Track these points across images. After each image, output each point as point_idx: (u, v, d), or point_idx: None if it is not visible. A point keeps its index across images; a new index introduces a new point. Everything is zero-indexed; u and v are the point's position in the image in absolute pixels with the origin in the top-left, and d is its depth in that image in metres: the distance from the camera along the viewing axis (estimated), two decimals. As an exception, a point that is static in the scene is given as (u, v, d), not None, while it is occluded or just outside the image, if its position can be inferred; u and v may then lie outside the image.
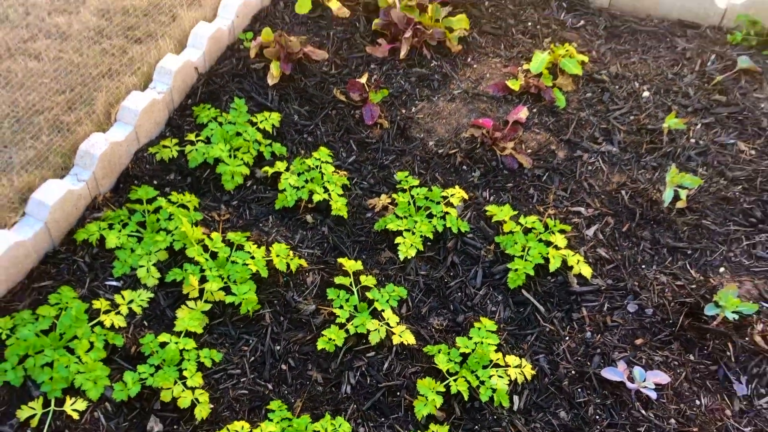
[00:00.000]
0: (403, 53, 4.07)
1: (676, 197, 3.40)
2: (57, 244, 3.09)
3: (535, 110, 3.88)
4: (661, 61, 4.20)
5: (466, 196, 3.44)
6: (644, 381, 2.74)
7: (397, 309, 3.01)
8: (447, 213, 3.34)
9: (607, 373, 2.79)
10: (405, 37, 4.08)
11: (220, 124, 3.62)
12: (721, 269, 3.23)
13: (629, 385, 2.74)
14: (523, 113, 3.79)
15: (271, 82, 3.85)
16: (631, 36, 4.37)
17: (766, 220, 3.41)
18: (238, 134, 3.57)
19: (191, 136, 3.57)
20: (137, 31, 4.02)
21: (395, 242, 3.21)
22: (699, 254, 3.28)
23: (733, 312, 2.91)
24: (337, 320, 2.90)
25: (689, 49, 4.27)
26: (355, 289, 3.03)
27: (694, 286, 3.13)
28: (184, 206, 3.28)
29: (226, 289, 2.96)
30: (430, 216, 3.34)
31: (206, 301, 2.93)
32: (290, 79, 3.91)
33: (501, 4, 4.50)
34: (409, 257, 3.18)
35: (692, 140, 3.76)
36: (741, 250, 3.30)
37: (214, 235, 3.14)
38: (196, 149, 3.49)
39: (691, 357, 2.91)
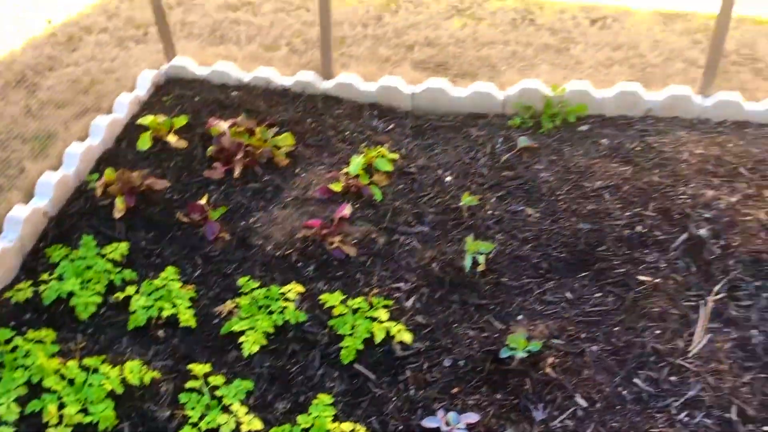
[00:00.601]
0: (237, 173, 4.63)
1: (476, 263, 4.05)
2: None
3: (357, 206, 4.50)
4: (459, 149, 4.99)
5: (302, 290, 3.94)
6: (457, 423, 3.26)
7: (246, 400, 3.40)
8: (285, 307, 3.82)
9: (427, 422, 3.28)
10: (237, 159, 4.65)
11: (72, 260, 3.98)
12: (519, 317, 3.86)
13: (444, 429, 3.24)
14: (347, 210, 4.40)
15: (117, 215, 4.27)
16: (434, 131, 5.16)
17: (552, 270, 4.12)
18: (89, 267, 3.94)
19: (45, 276, 3.89)
20: (-14, 186, 4.36)
21: (240, 341, 3.63)
22: (500, 307, 3.90)
23: (524, 351, 3.52)
24: (190, 420, 3.25)
25: (481, 136, 5.09)
26: (205, 390, 3.40)
27: (497, 335, 3.73)
28: (40, 341, 3.57)
29: (85, 411, 3.26)
30: (271, 312, 3.80)
31: (66, 425, 3.21)
32: (135, 210, 4.35)
33: (321, 119, 5.20)
34: (252, 353, 3.61)
35: (489, 212, 4.49)
36: (534, 299, 3.96)
37: (70, 363, 3.44)
38: (50, 287, 3.81)
39: (498, 396, 3.46)
